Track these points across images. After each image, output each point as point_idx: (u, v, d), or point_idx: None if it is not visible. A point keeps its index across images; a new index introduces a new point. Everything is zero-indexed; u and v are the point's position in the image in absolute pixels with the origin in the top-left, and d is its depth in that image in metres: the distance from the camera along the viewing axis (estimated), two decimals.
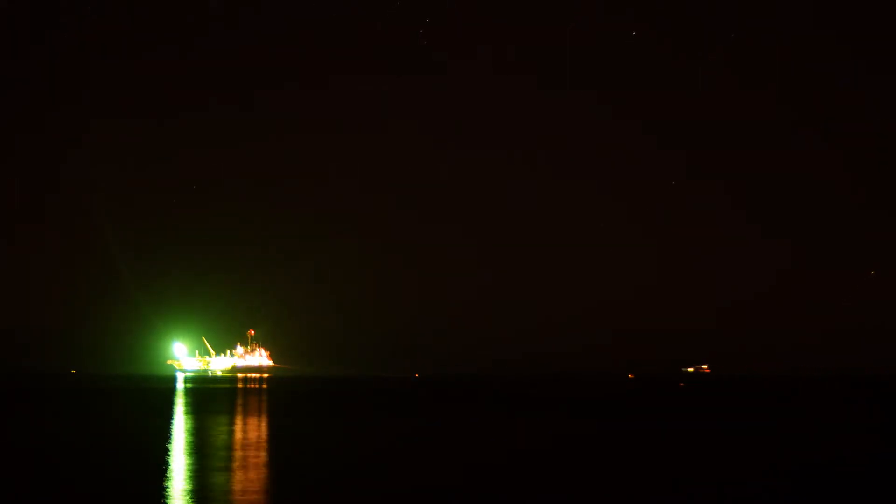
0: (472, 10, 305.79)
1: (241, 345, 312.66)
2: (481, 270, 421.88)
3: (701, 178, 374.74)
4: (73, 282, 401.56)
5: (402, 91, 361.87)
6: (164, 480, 27.22)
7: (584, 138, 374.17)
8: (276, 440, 42.60)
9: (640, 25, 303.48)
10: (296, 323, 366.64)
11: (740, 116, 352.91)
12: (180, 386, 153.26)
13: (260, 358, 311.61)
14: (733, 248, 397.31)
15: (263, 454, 35.55)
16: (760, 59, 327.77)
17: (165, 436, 43.37)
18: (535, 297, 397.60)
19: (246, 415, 65.44)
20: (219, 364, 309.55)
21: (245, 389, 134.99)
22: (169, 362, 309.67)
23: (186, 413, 64.12)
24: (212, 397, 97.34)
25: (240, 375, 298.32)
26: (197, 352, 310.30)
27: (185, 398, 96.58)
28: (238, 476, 28.15)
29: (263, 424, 53.89)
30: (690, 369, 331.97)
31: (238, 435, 44.99)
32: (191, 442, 41.06)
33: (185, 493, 24.84)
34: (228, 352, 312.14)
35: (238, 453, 34.73)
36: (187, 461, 32.53)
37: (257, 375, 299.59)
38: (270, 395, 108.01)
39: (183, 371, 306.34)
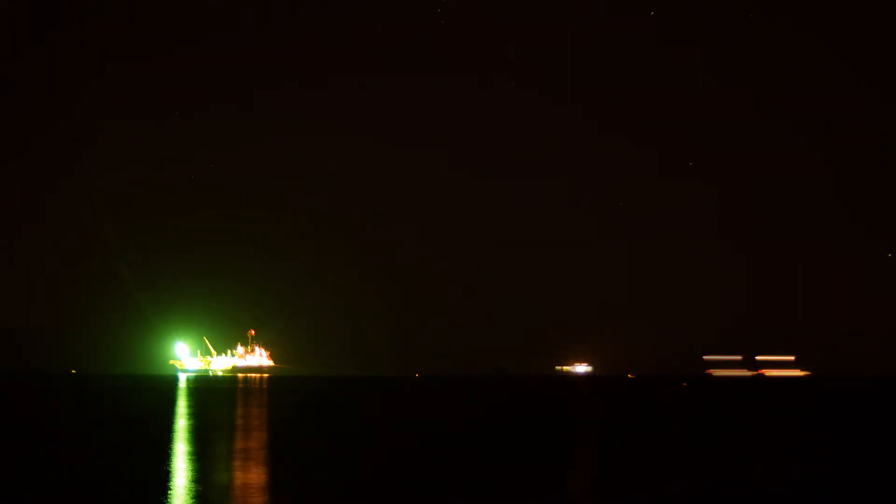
0: (473, 9, 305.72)
1: (241, 345, 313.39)
2: (482, 270, 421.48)
3: (691, 178, 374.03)
4: (73, 282, 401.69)
5: (402, 91, 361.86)
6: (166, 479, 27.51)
7: (585, 137, 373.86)
8: (277, 439, 42.85)
9: (640, 23, 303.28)
10: (296, 323, 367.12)
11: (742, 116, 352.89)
12: (182, 385, 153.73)
13: (260, 358, 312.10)
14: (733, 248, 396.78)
15: (263, 452, 35.84)
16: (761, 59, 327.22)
17: (168, 437, 43.64)
18: (535, 296, 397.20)
19: (248, 413, 65.78)
20: (220, 364, 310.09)
21: (246, 388, 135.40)
22: (171, 362, 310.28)
23: (188, 410, 64.57)
24: (216, 395, 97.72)
25: (240, 375, 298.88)
26: (198, 352, 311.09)
27: (188, 398, 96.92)
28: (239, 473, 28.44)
29: (264, 422, 54.23)
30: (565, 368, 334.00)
31: (239, 437, 45.27)
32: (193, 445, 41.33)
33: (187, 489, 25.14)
34: (229, 352, 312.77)
35: (239, 445, 35.03)
36: (188, 463, 32.83)
37: (258, 375, 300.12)
38: (271, 394, 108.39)
39: (184, 371, 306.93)
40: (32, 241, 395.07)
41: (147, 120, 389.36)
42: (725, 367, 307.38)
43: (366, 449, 37.38)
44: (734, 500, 24.13)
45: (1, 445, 38.17)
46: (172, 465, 30.06)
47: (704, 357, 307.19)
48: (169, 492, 24.21)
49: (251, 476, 27.87)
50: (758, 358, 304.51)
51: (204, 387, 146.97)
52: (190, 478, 27.24)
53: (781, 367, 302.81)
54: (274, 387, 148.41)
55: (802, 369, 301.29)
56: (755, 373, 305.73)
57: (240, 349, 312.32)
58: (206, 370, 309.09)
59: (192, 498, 23.33)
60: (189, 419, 54.11)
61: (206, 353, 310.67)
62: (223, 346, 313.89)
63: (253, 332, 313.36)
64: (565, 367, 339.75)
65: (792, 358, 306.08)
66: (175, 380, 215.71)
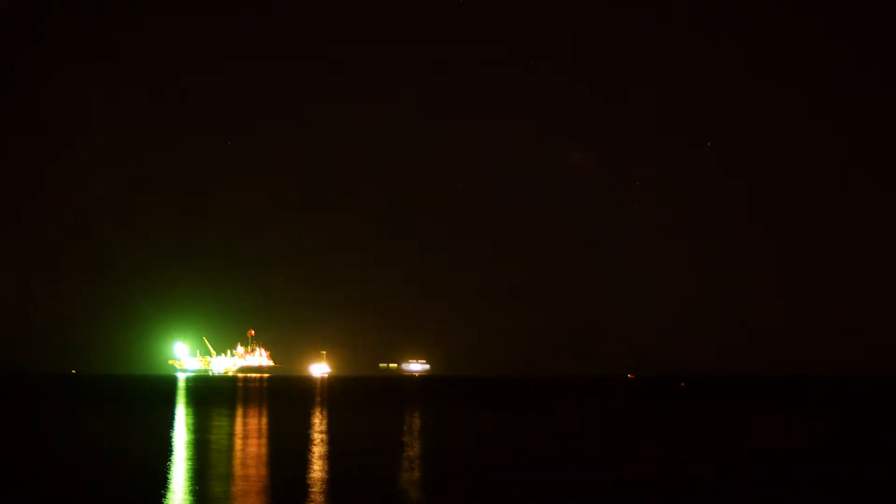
0: (474, 8, 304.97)
1: (241, 345, 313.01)
2: (482, 270, 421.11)
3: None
4: (73, 282, 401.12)
5: (402, 90, 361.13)
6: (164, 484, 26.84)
7: (587, 137, 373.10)
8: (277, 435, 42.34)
9: (641, 19, 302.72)
10: (296, 323, 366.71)
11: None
12: (181, 384, 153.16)
13: (260, 358, 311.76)
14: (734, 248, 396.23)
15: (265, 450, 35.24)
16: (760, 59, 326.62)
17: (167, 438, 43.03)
18: (542, 296, 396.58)
19: (248, 412, 65.17)
20: (219, 364, 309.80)
21: (247, 388, 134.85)
22: (170, 362, 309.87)
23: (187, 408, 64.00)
24: (217, 394, 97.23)
25: (240, 375, 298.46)
26: (198, 352, 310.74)
27: (187, 397, 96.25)
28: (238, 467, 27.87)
29: (264, 421, 53.65)
30: None
31: (239, 432, 44.69)
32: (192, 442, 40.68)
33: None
34: (229, 352, 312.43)
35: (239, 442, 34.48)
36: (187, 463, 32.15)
37: (258, 375, 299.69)
38: (271, 393, 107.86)
39: (184, 371, 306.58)
40: (32, 242, 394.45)
41: (147, 119, 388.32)
42: None
43: None
44: None
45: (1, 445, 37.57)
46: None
47: None
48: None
49: None
50: None
51: (202, 387, 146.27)
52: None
53: None
54: (274, 386, 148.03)
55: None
56: None
57: (240, 349, 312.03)
58: (206, 370, 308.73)
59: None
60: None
61: (206, 353, 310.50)
62: (223, 346, 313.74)
63: (253, 332, 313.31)
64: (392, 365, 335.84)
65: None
66: (174, 380, 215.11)
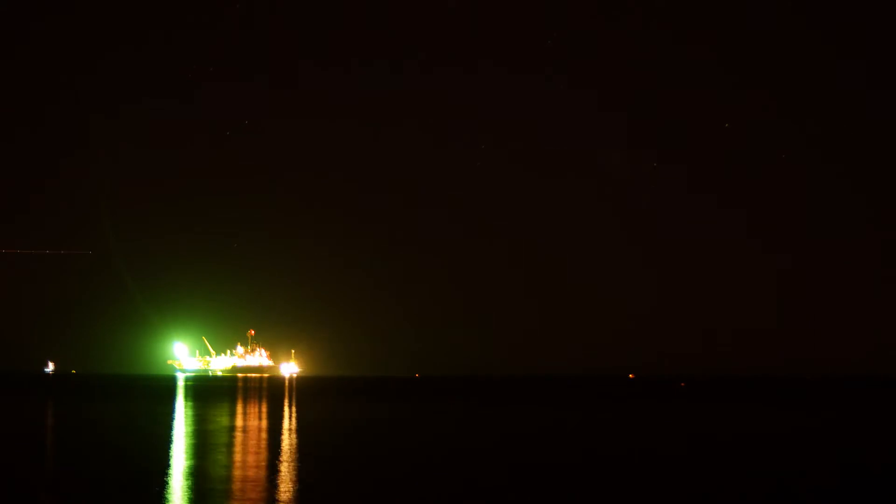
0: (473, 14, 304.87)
1: (241, 345, 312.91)
2: (482, 270, 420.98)
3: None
4: (73, 282, 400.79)
5: (403, 91, 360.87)
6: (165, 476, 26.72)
7: (588, 136, 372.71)
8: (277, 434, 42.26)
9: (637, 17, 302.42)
10: (296, 323, 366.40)
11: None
12: (181, 384, 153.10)
13: (260, 358, 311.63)
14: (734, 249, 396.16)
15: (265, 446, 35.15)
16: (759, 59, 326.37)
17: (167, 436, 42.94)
18: (535, 297, 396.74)
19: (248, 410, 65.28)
20: (219, 364, 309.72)
21: (245, 388, 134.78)
22: (169, 362, 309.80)
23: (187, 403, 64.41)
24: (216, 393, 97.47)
25: (240, 375, 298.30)
26: (197, 352, 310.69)
27: (188, 397, 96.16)
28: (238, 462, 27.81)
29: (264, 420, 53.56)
30: None
31: (239, 428, 44.58)
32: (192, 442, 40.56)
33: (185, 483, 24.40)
34: (228, 352, 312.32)
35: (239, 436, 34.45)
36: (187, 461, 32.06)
37: (257, 375, 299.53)
38: (271, 392, 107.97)
39: (183, 371, 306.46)
40: (32, 241, 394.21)
41: (147, 119, 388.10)
42: None
43: None
44: None
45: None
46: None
47: None
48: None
49: None
50: None
51: (201, 385, 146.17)
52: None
53: None
54: (273, 385, 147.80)
55: None
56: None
57: (240, 349, 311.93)
58: (206, 370, 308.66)
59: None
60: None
61: (205, 353, 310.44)
62: (223, 346, 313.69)
63: (253, 332, 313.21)
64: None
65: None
66: (173, 380, 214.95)
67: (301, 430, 44.29)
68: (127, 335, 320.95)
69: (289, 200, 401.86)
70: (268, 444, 35.36)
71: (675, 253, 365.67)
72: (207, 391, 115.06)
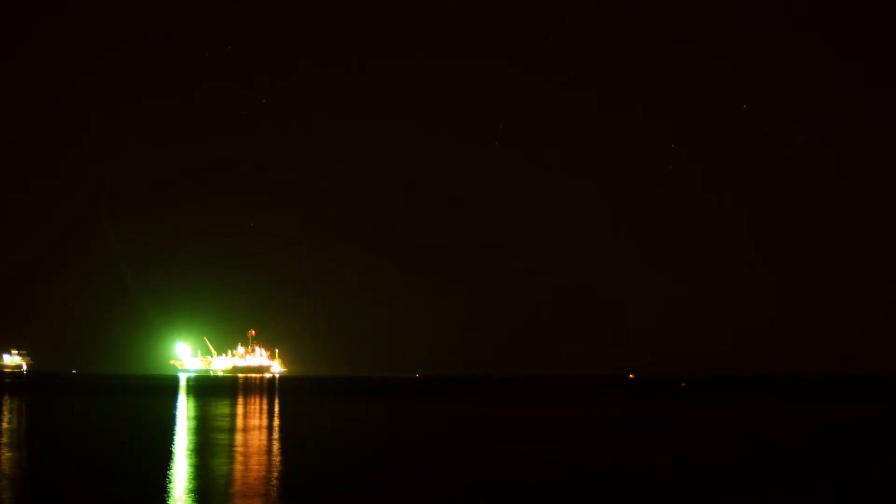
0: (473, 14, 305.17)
1: (241, 345, 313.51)
2: (483, 270, 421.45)
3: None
4: (74, 282, 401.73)
5: (403, 91, 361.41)
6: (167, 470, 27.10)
7: (587, 136, 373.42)
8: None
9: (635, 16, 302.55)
10: (297, 323, 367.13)
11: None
12: (183, 384, 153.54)
13: (260, 358, 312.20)
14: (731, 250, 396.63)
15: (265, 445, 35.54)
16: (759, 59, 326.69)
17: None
18: (536, 297, 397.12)
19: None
20: (220, 364, 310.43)
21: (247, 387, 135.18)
22: (172, 362, 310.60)
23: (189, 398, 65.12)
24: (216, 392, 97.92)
25: (240, 375, 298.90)
26: (199, 352, 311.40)
27: (190, 397, 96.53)
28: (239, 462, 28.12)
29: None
30: None
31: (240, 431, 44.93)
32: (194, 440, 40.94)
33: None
34: (229, 352, 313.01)
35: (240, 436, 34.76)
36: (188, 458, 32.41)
37: (258, 375, 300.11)
38: (271, 391, 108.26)
39: (185, 371, 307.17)
40: (31, 242, 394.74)
41: (146, 119, 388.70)
42: None
43: None
44: None
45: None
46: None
47: None
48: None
49: None
50: None
51: (202, 385, 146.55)
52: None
53: None
54: (273, 385, 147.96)
55: None
56: None
57: (240, 349, 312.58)
58: (207, 370, 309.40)
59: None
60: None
61: (207, 353, 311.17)
62: (223, 346, 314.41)
63: (253, 332, 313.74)
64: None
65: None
66: (176, 380, 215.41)
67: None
68: (129, 335, 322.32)
69: (289, 200, 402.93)
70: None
71: (676, 253, 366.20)
72: (207, 389, 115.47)
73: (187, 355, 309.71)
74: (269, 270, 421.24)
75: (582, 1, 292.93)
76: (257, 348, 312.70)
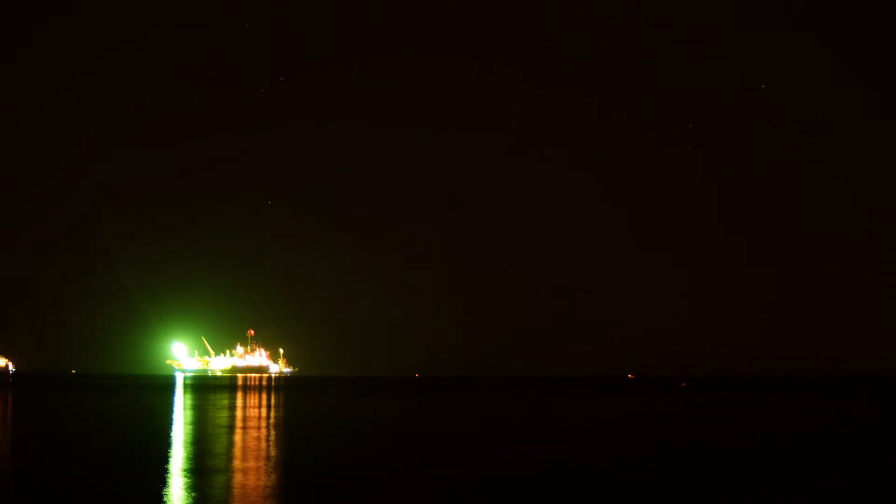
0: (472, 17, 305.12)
1: (240, 345, 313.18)
2: (483, 271, 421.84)
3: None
4: (72, 282, 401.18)
5: (403, 91, 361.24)
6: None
7: (589, 137, 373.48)
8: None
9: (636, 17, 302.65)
10: (296, 323, 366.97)
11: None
12: (180, 384, 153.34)
13: (260, 358, 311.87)
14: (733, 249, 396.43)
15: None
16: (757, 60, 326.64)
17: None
18: (536, 297, 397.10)
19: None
20: (218, 364, 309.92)
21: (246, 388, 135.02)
22: (168, 362, 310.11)
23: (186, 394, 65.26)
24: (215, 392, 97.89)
25: (239, 376, 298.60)
26: (196, 352, 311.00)
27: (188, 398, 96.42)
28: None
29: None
30: None
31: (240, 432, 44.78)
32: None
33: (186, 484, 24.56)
34: (228, 352, 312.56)
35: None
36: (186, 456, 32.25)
37: (257, 375, 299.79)
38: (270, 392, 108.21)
39: (182, 371, 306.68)
40: (31, 242, 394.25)
41: (146, 118, 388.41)
42: None
43: None
44: None
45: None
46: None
47: None
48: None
49: None
50: None
51: (199, 385, 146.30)
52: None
53: None
54: (273, 385, 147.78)
55: None
56: None
57: (239, 349, 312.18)
58: (205, 370, 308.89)
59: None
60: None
61: (205, 353, 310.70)
62: (222, 345, 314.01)
63: (252, 332, 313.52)
64: None
65: None
66: (172, 380, 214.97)
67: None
68: (126, 335, 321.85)
69: (289, 200, 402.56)
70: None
71: (675, 253, 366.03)
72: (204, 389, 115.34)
73: (184, 355, 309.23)
74: (270, 271, 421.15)
75: (582, 1, 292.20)
76: (258, 349, 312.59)
